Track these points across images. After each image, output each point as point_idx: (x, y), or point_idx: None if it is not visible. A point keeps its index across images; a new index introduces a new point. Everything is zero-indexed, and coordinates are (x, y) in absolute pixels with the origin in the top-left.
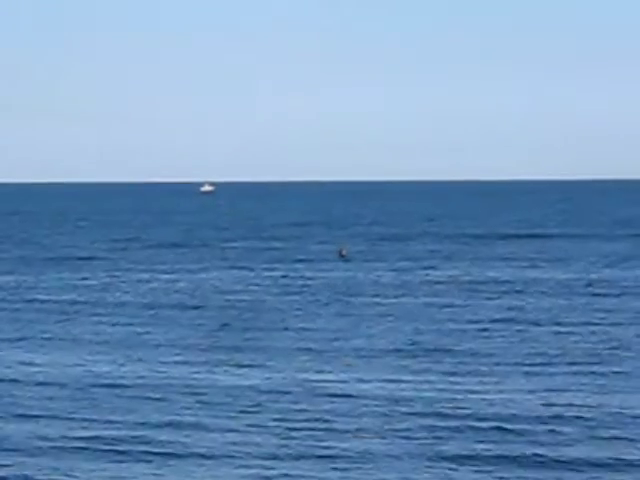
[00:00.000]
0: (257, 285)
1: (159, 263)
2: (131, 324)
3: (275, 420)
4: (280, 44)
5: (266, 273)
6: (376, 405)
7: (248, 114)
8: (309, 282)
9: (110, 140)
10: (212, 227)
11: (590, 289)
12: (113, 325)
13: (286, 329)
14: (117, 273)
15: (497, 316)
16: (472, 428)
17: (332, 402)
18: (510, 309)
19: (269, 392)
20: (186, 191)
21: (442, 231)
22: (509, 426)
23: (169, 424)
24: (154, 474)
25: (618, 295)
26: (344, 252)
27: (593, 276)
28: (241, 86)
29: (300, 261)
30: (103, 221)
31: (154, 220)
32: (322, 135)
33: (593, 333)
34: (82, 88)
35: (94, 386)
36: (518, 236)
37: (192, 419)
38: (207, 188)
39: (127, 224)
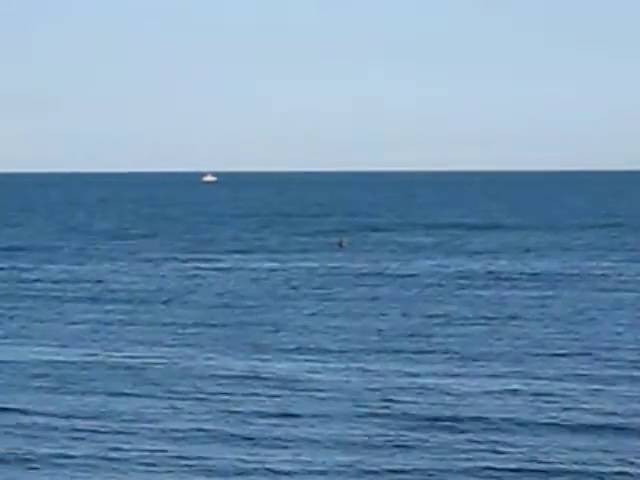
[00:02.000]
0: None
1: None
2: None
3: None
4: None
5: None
6: (340, 394)
7: (253, 104)
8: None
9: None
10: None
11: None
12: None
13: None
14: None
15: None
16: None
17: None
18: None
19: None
20: (188, 182)
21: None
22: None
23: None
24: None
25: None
26: (343, 243)
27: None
28: (245, 77)
29: (295, 251)
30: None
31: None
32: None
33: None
34: (83, 74)
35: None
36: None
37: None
38: (209, 178)
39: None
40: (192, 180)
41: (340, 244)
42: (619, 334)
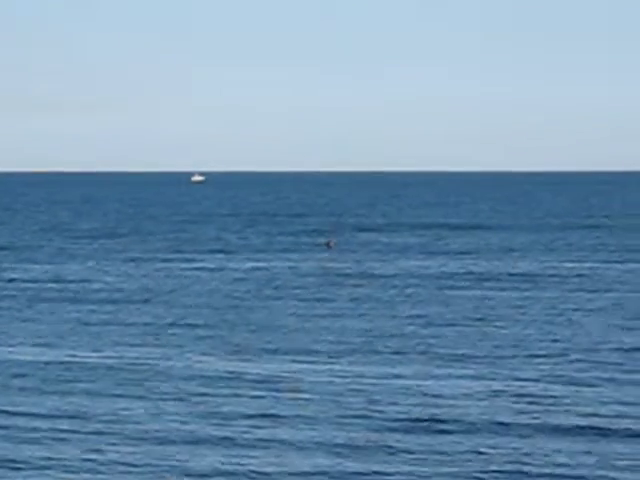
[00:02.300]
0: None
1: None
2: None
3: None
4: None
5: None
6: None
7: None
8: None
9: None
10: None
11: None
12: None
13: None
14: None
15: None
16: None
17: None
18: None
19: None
20: (176, 181)
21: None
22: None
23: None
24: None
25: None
26: (331, 243)
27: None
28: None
29: (283, 251)
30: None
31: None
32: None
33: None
34: (71, 76)
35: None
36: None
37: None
38: (197, 178)
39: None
40: (181, 180)
41: (328, 244)
42: (600, 335)
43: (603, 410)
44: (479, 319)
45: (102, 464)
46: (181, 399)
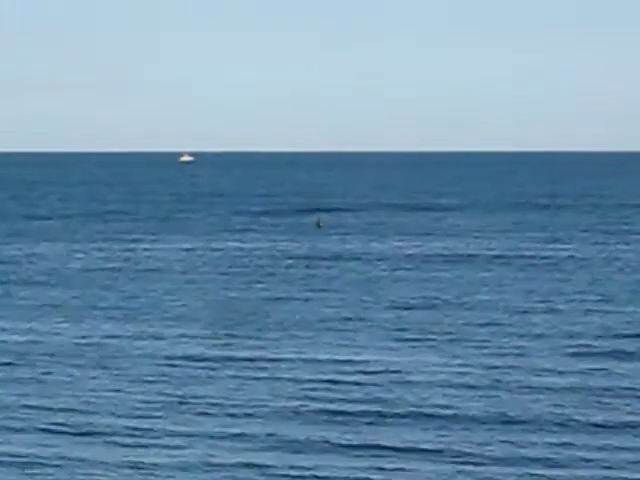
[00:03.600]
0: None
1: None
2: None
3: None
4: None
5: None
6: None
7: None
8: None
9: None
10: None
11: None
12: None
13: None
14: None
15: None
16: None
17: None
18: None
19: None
20: (165, 162)
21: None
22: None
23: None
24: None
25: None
26: (321, 223)
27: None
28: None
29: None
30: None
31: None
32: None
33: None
34: (59, 56)
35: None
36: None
37: None
38: (186, 158)
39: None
40: (169, 160)
41: (318, 224)
42: (579, 319)
43: (575, 399)
44: (435, 302)
45: (61, 449)
46: (141, 380)
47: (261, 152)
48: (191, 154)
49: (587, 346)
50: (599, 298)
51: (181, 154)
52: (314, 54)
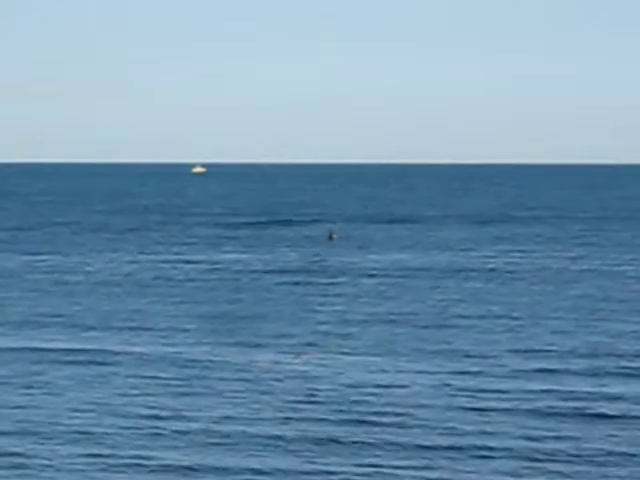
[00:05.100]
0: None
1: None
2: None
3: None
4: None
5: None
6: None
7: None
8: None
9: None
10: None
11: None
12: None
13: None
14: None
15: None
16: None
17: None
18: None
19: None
20: (177, 173)
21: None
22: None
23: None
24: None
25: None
26: (334, 235)
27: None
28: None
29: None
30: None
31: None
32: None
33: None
34: (73, 64)
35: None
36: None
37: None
38: (198, 170)
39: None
40: (181, 172)
41: (330, 236)
42: (566, 331)
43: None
44: (412, 315)
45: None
46: (154, 384)
47: (281, 164)
48: (203, 165)
49: (567, 363)
50: (594, 311)
51: (194, 165)
52: (317, 64)
